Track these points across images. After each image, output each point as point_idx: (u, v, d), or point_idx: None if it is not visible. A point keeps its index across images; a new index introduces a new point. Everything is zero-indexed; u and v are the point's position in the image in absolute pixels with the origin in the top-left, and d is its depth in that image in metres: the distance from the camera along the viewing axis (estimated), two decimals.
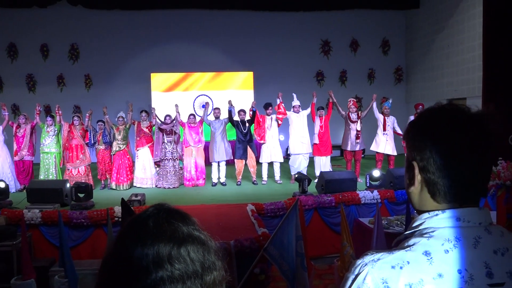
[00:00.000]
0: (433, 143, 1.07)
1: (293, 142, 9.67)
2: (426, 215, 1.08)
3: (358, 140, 9.49)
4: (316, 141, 9.63)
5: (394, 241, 1.14)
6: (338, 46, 15.08)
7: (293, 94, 9.96)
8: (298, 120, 9.65)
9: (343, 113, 9.71)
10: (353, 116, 9.60)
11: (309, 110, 9.71)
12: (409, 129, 1.14)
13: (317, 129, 9.64)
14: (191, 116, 9.80)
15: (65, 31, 14.18)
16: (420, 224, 1.08)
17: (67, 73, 14.37)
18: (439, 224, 1.05)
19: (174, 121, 9.66)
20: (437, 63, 13.28)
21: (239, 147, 9.59)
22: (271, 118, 9.67)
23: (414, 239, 1.05)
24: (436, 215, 1.06)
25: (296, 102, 9.77)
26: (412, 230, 1.09)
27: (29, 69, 14.26)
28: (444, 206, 1.08)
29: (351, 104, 9.72)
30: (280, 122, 9.75)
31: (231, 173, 10.09)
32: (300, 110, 9.71)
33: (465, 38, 11.73)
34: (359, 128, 9.52)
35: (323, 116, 9.69)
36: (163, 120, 9.70)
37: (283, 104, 9.66)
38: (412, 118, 9.50)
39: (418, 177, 1.10)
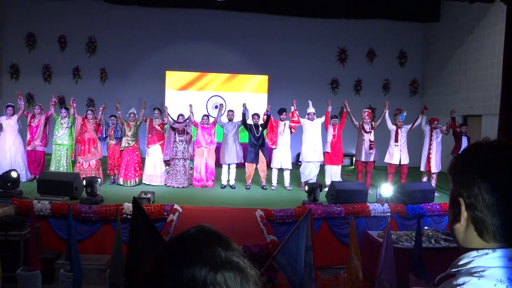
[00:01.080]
0: (483, 180, 1.03)
1: (306, 149, 9.60)
2: (474, 253, 1.04)
3: (371, 151, 9.42)
4: (328, 149, 9.57)
5: (436, 279, 1.10)
6: (354, 54, 15.03)
7: (309, 101, 9.89)
8: (312, 127, 9.59)
9: (357, 123, 9.64)
10: (367, 127, 9.53)
11: (323, 118, 9.66)
12: (456, 163, 1.10)
13: (329, 137, 9.58)
14: (205, 117, 9.80)
15: (84, 24, 14.28)
16: (468, 263, 1.04)
17: (83, 65, 14.46)
18: (490, 264, 1.01)
19: (187, 121, 9.65)
20: (453, 78, 13.18)
21: (251, 150, 9.55)
22: (284, 124, 9.62)
23: (463, 278, 1.01)
24: (486, 254, 1.02)
25: (311, 110, 9.70)
26: (458, 269, 1.05)
27: (46, 59, 14.37)
28: (493, 245, 1.03)
29: (365, 114, 9.64)
30: (293, 130, 9.71)
31: (241, 176, 10.06)
32: (315, 117, 9.65)
33: (484, 55, 11.64)
34: (372, 139, 9.45)
35: (336, 125, 9.62)
36: (176, 119, 9.69)
37: (297, 112, 9.61)
38: (427, 129, 9.40)
39: (464, 214, 1.06)
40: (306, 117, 9.67)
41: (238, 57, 14.61)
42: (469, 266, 1.03)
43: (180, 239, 0.89)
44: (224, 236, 0.91)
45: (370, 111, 9.96)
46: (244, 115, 9.58)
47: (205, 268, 0.83)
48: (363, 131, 9.54)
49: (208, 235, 0.90)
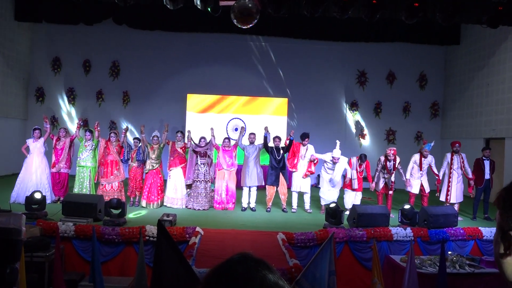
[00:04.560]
0: None
1: (325, 178, 9.55)
2: None
3: (391, 192, 9.34)
4: (356, 186, 9.33)
5: None
6: (374, 77, 15.06)
7: (336, 141, 9.53)
8: (334, 167, 9.45)
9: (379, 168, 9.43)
10: (390, 166, 9.32)
11: (344, 171, 9.52)
12: (506, 197, 1.11)
13: (354, 174, 9.32)
14: (226, 140, 9.87)
15: (107, 48, 14.66)
16: None
17: (106, 88, 14.77)
18: None
19: (208, 144, 9.75)
20: (475, 101, 13.09)
21: (272, 173, 9.57)
22: (306, 148, 9.62)
23: None
24: None
25: (336, 154, 9.33)
26: None
27: (70, 83, 14.73)
28: None
29: (391, 153, 9.27)
30: (316, 161, 9.68)
31: (261, 199, 10.06)
32: (339, 161, 9.36)
33: (507, 77, 11.56)
34: (393, 179, 9.29)
35: (363, 164, 9.41)
36: (197, 142, 9.79)
37: (315, 156, 9.58)
38: (448, 155, 9.32)
39: None
40: (331, 159, 9.41)
41: (258, 80, 14.77)
42: None
43: (229, 265, 0.93)
44: (266, 261, 0.95)
45: (395, 149, 9.49)
46: (265, 138, 9.64)
47: None
48: (385, 171, 9.39)
49: (254, 261, 0.93)
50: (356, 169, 9.33)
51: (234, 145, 9.92)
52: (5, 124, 13.40)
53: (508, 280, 1.11)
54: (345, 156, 9.55)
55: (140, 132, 9.71)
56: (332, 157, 9.40)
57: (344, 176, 9.63)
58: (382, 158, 9.42)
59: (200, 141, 9.76)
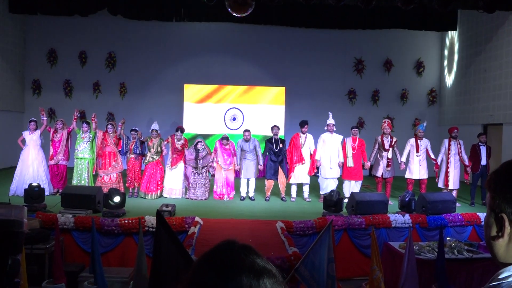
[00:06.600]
0: None
1: (324, 165, 9.50)
2: None
3: (388, 168, 9.31)
4: (351, 163, 9.33)
5: None
6: (371, 65, 15.01)
7: (329, 112, 9.82)
8: (331, 141, 9.46)
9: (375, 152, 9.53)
10: (386, 144, 9.37)
11: (341, 146, 9.56)
12: (497, 179, 1.11)
13: (349, 151, 9.39)
14: (225, 140, 9.72)
15: (103, 40, 14.58)
16: (509, 276, 1.05)
17: (103, 80, 14.72)
18: None
19: (205, 153, 9.64)
20: (473, 87, 13.07)
21: (271, 166, 9.54)
22: (305, 137, 9.59)
23: None
24: None
25: (331, 121, 9.55)
26: (499, 282, 1.06)
27: (67, 75, 14.68)
28: None
29: (385, 125, 9.49)
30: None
31: (260, 187, 10.08)
32: (334, 128, 9.56)
33: (504, 63, 11.53)
34: (390, 156, 9.32)
35: (357, 137, 9.53)
36: (195, 144, 9.66)
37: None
38: (446, 141, 9.34)
39: (507, 230, 1.08)
40: (326, 128, 9.60)
41: (255, 69, 14.72)
42: (510, 279, 1.04)
43: (218, 251, 0.93)
44: (252, 247, 0.96)
45: (389, 121, 9.80)
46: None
47: (249, 275, 0.88)
48: (382, 148, 9.40)
49: (242, 246, 0.94)
50: (351, 147, 9.39)
51: (232, 144, 9.84)
52: (2, 117, 13.35)
53: (499, 262, 1.11)
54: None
55: (119, 127, 9.69)
56: (327, 124, 9.50)
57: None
58: (379, 137, 9.49)
59: (197, 144, 9.58)
